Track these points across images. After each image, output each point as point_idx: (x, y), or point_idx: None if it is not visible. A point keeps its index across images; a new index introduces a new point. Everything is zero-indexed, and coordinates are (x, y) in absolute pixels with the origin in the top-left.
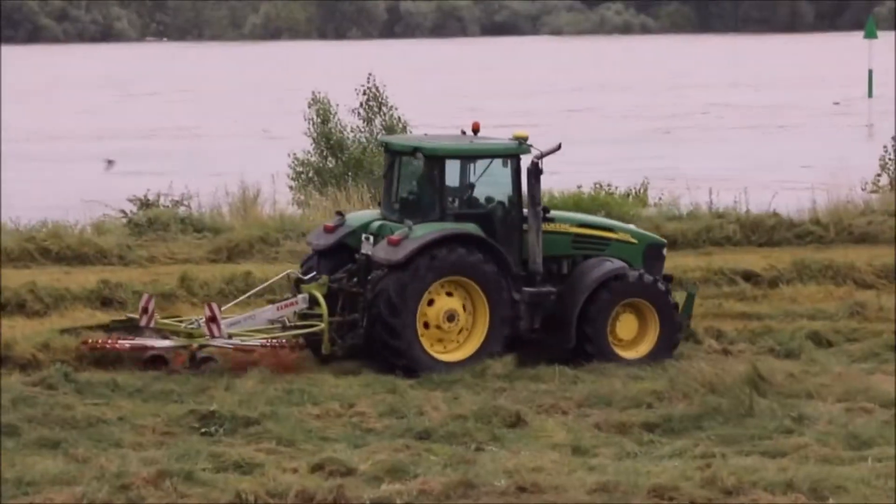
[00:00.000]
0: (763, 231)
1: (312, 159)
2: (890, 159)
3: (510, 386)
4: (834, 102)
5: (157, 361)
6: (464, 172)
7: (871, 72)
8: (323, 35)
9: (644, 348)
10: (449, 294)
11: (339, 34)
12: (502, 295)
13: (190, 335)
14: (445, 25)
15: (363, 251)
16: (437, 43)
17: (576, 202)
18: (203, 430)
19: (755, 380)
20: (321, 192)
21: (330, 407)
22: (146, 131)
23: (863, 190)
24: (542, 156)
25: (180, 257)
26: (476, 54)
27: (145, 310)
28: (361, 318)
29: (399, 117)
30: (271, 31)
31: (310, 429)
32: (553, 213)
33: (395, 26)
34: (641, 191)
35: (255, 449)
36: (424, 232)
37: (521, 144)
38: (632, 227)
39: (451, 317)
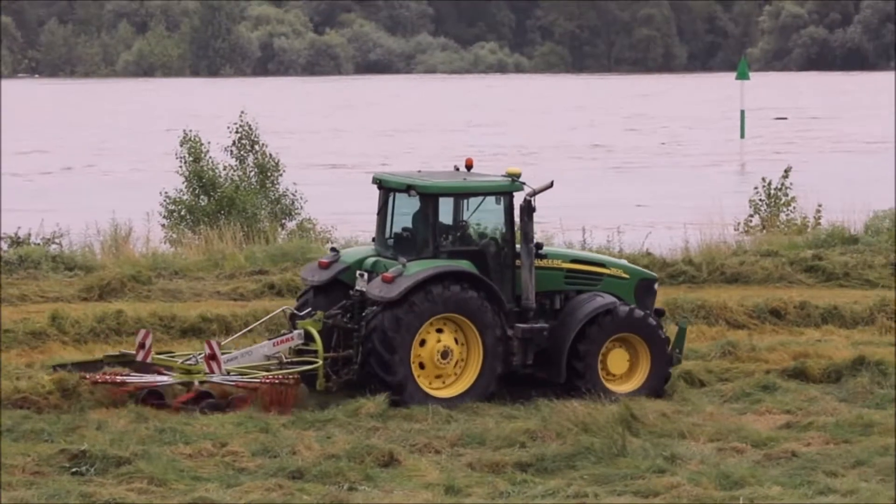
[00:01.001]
0: None
1: (184, 197)
2: (761, 200)
3: (383, 425)
4: (661, 143)
5: (153, 397)
6: (457, 209)
7: (743, 113)
8: (196, 72)
9: (635, 383)
10: (439, 331)
11: (212, 71)
12: (495, 331)
13: (188, 371)
14: (319, 63)
15: (357, 287)
16: (311, 81)
17: None
18: (74, 469)
19: (628, 419)
20: (193, 231)
21: (202, 446)
22: (17, 168)
23: (735, 230)
24: (534, 193)
25: (51, 295)
26: (349, 92)
27: (142, 345)
28: (356, 354)
29: (272, 155)
30: (144, 68)
31: (182, 468)
32: (545, 249)
33: (269, 63)
34: None
35: (127, 489)
36: (418, 269)
37: (514, 181)
38: (623, 262)
39: (444, 353)
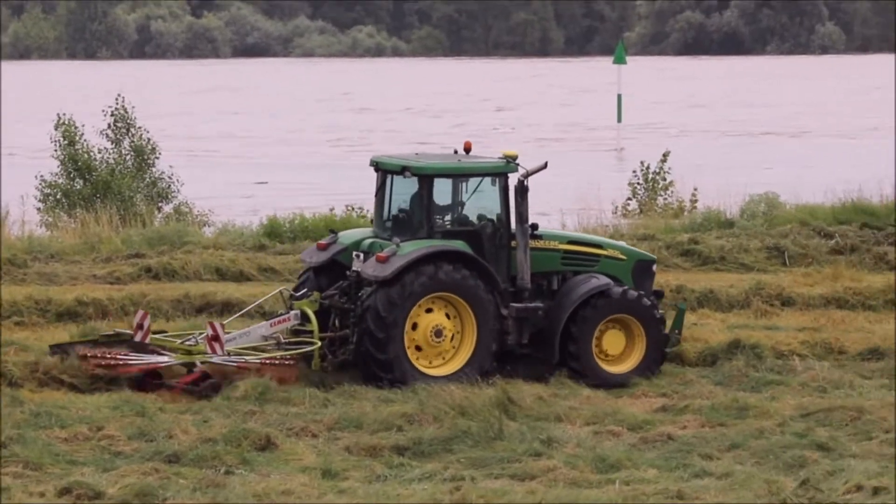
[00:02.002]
0: None
1: (60, 181)
2: (639, 184)
3: (260, 409)
4: (493, 128)
5: (152, 377)
6: (452, 190)
7: (619, 97)
8: (73, 55)
9: (631, 363)
10: (429, 311)
11: (89, 54)
12: (489, 310)
13: (189, 352)
14: (197, 46)
15: (354, 268)
16: (189, 64)
17: (327, 225)
18: None
19: (505, 403)
20: (69, 215)
21: (78, 430)
22: None
23: (613, 214)
24: (527, 174)
25: None
26: (227, 74)
27: (140, 326)
28: (352, 334)
29: (149, 139)
30: (20, 51)
31: (57, 452)
32: (541, 230)
33: (146, 47)
34: None
35: (2, 473)
36: (411, 249)
37: (509, 163)
38: (622, 244)
39: (438, 332)
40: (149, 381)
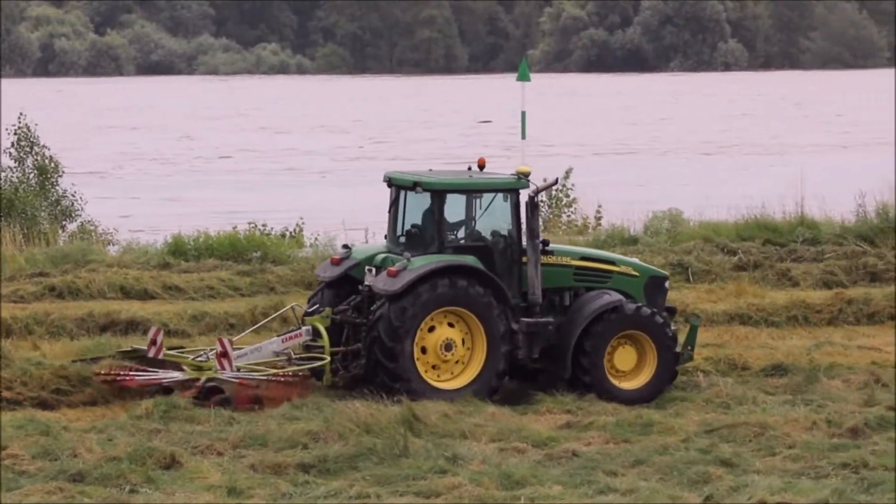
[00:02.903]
0: None
1: None
2: (542, 200)
3: (165, 427)
4: (359, 146)
5: (162, 392)
6: (464, 206)
7: (524, 114)
8: None
9: (642, 379)
10: (431, 329)
11: None
12: (499, 325)
13: (199, 368)
14: (100, 64)
15: (366, 283)
16: (92, 82)
17: (232, 243)
18: None
19: (410, 420)
20: None
21: None
22: None
23: None
24: (538, 191)
25: None
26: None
27: (153, 341)
28: (364, 348)
29: (51, 157)
30: None
31: None
32: (553, 246)
33: (49, 65)
34: (297, 231)
35: None
36: (422, 263)
37: (521, 179)
38: (635, 260)
39: (448, 346)
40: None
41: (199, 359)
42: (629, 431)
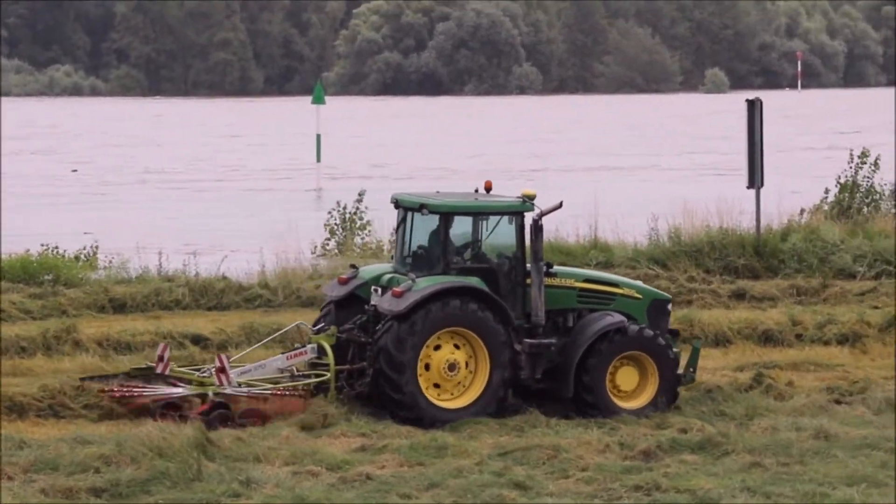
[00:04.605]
0: (212, 295)
1: None
2: (336, 224)
3: None
4: (72, 170)
5: (170, 409)
6: (468, 228)
7: (318, 137)
8: None
9: (643, 400)
10: (437, 348)
11: None
12: (502, 345)
13: (202, 383)
14: None
15: (372, 302)
16: None
17: (23, 265)
18: None
19: (203, 443)
20: None
21: None
22: None
23: (312, 254)
24: (542, 214)
25: None
26: None
27: (161, 358)
28: (369, 367)
29: None
30: None
31: None
32: (556, 268)
33: None
34: (91, 254)
35: None
36: (426, 285)
37: (525, 202)
38: (638, 283)
39: (451, 367)
40: (168, 412)
41: (203, 374)
42: (423, 454)
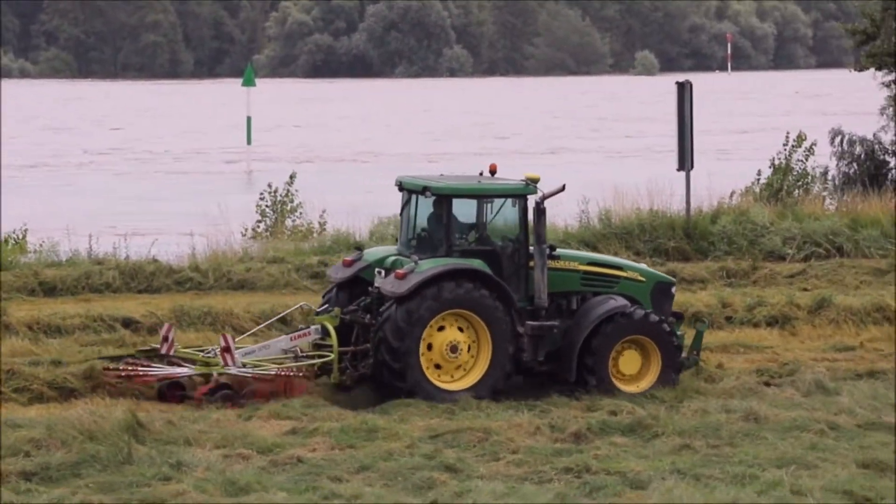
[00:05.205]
0: (142, 278)
1: None
2: (268, 206)
3: None
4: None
5: (175, 389)
6: (473, 211)
7: (249, 119)
8: None
9: (646, 383)
10: (441, 329)
11: None
12: (504, 327)
13: (207, 364)
14: None
15: (376, 284)
16: None
17: None
18: None
19: (133, 427)
20: None
21: None
22: None
23: (243, 236)
24: (545, 197)
25: None
26: None
27: (166, 338)
28: (372, 348)
29: None
30: None
31: None
32: (559, 251)
33: None
34: (21, 237)
35: None
36: (429, 267)
37: (528, 185)
38: (642, 266)
39: (453, 348)
40: (172, 392)
41: (208, 355)
42: (354, 437)
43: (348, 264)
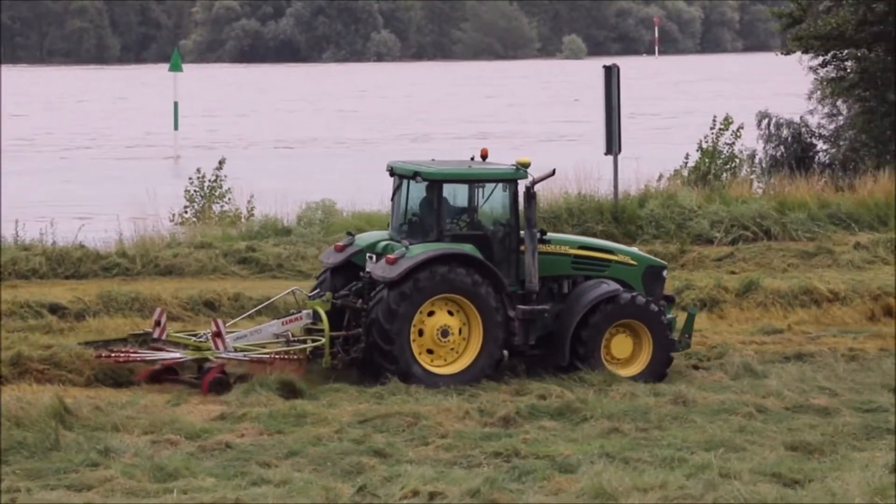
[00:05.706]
0: (70, 263)
1: None
2: (196, 191)
3: None
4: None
5: (167, 373)
6: (464, 195)
7: (176, 105)
8: None
9: (638, 367)
10: (431, 314)
11: None
12: (494, 312)
13: (198, 348)
14: None
15: (367, 269)
16: None
17: None
18: None
19: (61, 413)
20: None
21: None
22: None
23: (170, 222)
24: (535, 181)
25: None
26: None
27: (158, 322)
28: (364, 333)
29: None
30: None
31: None
32: (552, 235)
33: None
34: None
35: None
36: (420, 251)
37: (519, 170)
38: (633, 249)
39: (444, 332)
40: (165, 376)
41: (199, 339)
42: (283, 423)
43: (340, 249)
